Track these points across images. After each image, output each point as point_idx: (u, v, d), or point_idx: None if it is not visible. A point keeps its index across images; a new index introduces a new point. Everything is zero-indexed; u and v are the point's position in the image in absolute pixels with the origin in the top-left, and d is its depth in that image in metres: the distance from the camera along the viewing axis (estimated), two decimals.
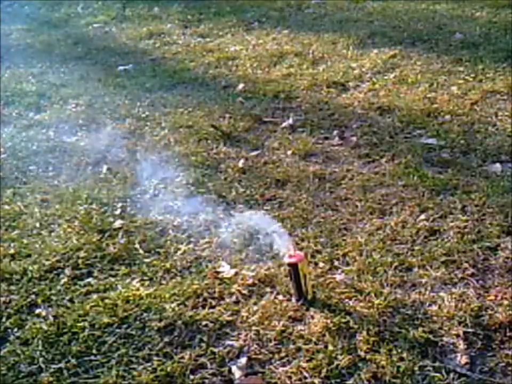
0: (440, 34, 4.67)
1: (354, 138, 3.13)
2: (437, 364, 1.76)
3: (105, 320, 2.01)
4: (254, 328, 1.94)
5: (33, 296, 2.15)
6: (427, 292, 2.04)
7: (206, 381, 1.78)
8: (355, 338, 1.87)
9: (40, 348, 1.92)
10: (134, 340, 1.93)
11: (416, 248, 2.27)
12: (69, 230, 2.53)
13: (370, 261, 2.21)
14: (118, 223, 2.55)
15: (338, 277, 2.14)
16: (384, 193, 2.61)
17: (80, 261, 2.32)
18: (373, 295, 2.04)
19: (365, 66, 4.20)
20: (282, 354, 1.84)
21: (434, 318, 1.93)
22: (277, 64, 4.45)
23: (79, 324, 2.00)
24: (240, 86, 4.05)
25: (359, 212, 2.51)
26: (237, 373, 1.79)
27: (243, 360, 1.83)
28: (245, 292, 2.10)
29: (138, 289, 2.14)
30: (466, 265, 2.16)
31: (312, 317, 1.96)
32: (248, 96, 3.87)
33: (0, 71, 4.63)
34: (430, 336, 1.86)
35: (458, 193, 2.60)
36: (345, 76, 4.08)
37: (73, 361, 1.86)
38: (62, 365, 1.86)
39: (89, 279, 2.23)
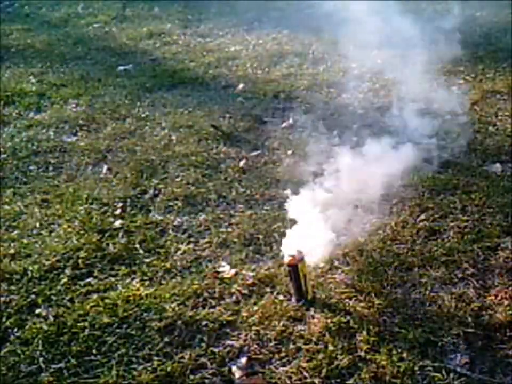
0: (440, 34, 4.66)
1: (354, 138, 3.13)
2: (437, 364, 1.77)
3: (105, 320, 2.01)
4: (254, 328, 1.94)
5: (33, 296, 2.15)
6: (427, 292, 2.05)
7: (206, 381, 1.78)
8: (355, 338, 1.87)
9: (40, 347, 1.92)
10: (134, 339, 1.93)
11: (416, 248, 2.27)
12: (69, 230, 2.53)
13: (370, 261, 2.21)
14: (118, 223, 2.56)
15: (338, 277, 2.15)
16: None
17: (80, 261, 2.32)
18: (373, 295, 2.04)
19: (365, 66, 4.20)
20: (282, 354, 1.84)
21: (434, 318, 1.93)
22: (277, 64, 4.45)
23: (79, 324, 2.00)
24: (240, 86, 4.05)
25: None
26: (237, 373, 1.79)
27: (243, 360, 1.83)
28: (245, 291, 2.10)
29: (138, 289, 2.14)
30: (466, 265, 2.16)
31: (312, 317, 1.96)
32: (248, 96, 3.88)
33: (0, 71, 4.63)
34: (430, 336, 1.86)
35: (458, 193, 2.60)
36: (345, 75, 4.08)
37: (73, 361, 1.86)
38: (62, 365, 1.86)
39: (89, 279, 2.23)
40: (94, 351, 1.90)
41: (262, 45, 4.91)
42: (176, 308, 2.04)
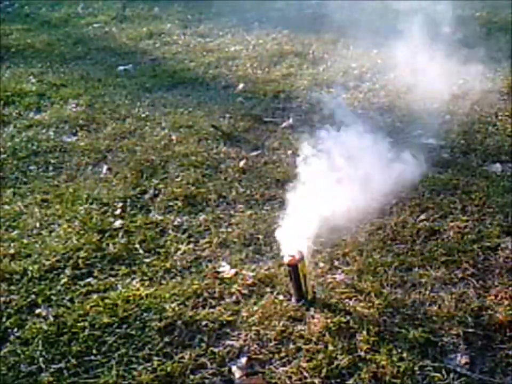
0: (440, 34, 4.67)
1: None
2: (437, 364, 1.77)
3: (105, 320, 2.01)
4: (254, 328, 1.94)
5: (33, 296, 2.15)
6: (427, 292, 2.05)
7: (206, 381, 1.78)
8: (355, 338, 1.87)
9: (40, 347, 1.92)
10: (134, 339, 1.93)
11: (416, 248, 2.27)
12: (69, 230, 2.53)
13: (370, 261, 2.21)
14: (118, 223, 2.56)
15: (338, 277, 2.15)
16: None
17: (80, 261, 2.32)
18: (373, 295, 2.04)
19: (365, 66, 4.20)
20: (282, 354, 1.84)
21: (434, 318, 1.93)
22: (277, 64, 4.45)
23: (79, 324, 2.00)
24: (240, 86, 4.05)
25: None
26: (237, 373, 1.79)
27: (243, 360, 1.83)
28: (245, 291, 2.10)
29: (138, 289, 2.14)
30: (466, 265, 2.16)
31: (312, 317, 1.96)
32: (248, 96, 3.88)
33: (0, 71, 4.63)
34: (430, 336, 1.86)
35: (458, 193, 2.60)
36: (345, 75, 4.08)
37: (73, 361, 1.86)
38: (62, 365, 1.86)
39: (89, 279, 2.23)
40: (94, 351, 1.90)
41: (262, 45, 4.91)
42: (176, 308, 2.04)
